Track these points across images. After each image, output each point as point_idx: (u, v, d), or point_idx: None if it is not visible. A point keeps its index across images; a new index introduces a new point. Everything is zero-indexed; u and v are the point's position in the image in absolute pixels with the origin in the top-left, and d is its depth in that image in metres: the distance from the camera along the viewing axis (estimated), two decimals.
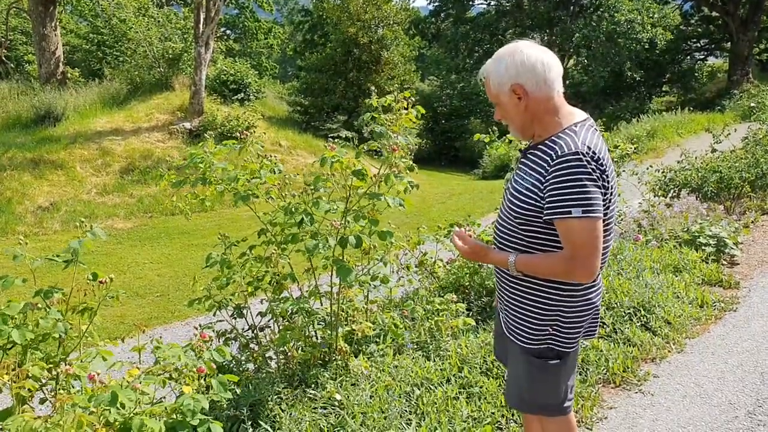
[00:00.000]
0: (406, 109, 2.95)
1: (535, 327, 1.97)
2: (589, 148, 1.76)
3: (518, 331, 2.01)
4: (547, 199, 1.79)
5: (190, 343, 2.30)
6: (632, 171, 6.64)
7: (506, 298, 2.06)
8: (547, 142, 1.85)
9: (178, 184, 3.10)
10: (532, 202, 1.84)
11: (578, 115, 1.91)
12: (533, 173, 1.85)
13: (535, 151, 1.88)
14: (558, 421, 2.14)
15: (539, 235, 1.87)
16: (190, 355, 2.23)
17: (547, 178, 1.78)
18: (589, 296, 1.95)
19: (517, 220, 1.90)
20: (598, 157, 1.76)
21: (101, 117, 14.31)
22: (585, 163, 1.73)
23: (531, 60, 1.82)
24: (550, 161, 1.79)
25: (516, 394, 2.14)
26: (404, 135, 2.92)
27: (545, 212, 1.80)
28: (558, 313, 1.94)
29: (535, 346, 1.98)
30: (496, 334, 2.32)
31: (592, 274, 1.81)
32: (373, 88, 3.53)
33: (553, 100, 1.86)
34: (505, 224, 1.99)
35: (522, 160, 1.96)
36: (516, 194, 1.90)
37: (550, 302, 1.93)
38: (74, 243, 2.34)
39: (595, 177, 1.74)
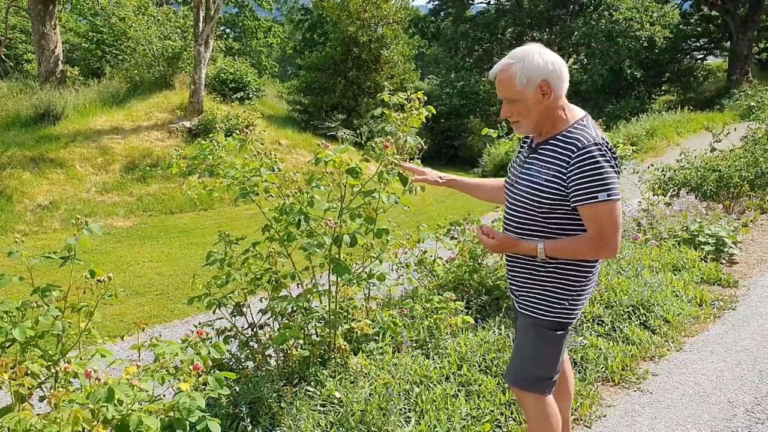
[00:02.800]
0: (417, 109, 2.95)
1: (554, 303, 2.12)
2: (603, 139, 1.98)
3: (536, 307, 2.16)
4: (572, 187, 1.96)
5: (187, 338, 2.29)
6: (633, 170, 6.64)
7: (520, 281, 2.19)
8: (558, 136, 2.03)
9: (186, 174, 3.10)
10: (556, 190, 1.99)
11: (578, 111, 2.09)
12: (552, 165, 2.01)
13: (549, 146, 2.05)
14: (538, 402, 2.22)
15: (563, 221, 2.04)
16: (188, 351, 2.23)
17: (570, 168, 1.96)
18: (597, 266, 2.18)
19: (540, 209, 2.05)
20: (611, 146, 1.99)
21: (101, 115, 14.29)
22: (604, 152, 1.94)
23: (558, 61, 2.00)
24: (571, 154, 1.96)
25: (517, 367, 2.25)
26: (413, 135, 2.94)
27: (572, 199, 1.97)
28: (578, 289, 2.11)
29: (550, 319, 2.14)
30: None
31: (616, 249, 2.01)
32: (387, 84, 3.53)
33: (563, 98, 2.05)
34: (523, 216, 2.11)
35: (533, 155, 2.11)
36: (536, 186, 2.04)
37: (573, 280, 2.10)
38: (71, 240, 2.33)
39: (612, 164, 1.96)
